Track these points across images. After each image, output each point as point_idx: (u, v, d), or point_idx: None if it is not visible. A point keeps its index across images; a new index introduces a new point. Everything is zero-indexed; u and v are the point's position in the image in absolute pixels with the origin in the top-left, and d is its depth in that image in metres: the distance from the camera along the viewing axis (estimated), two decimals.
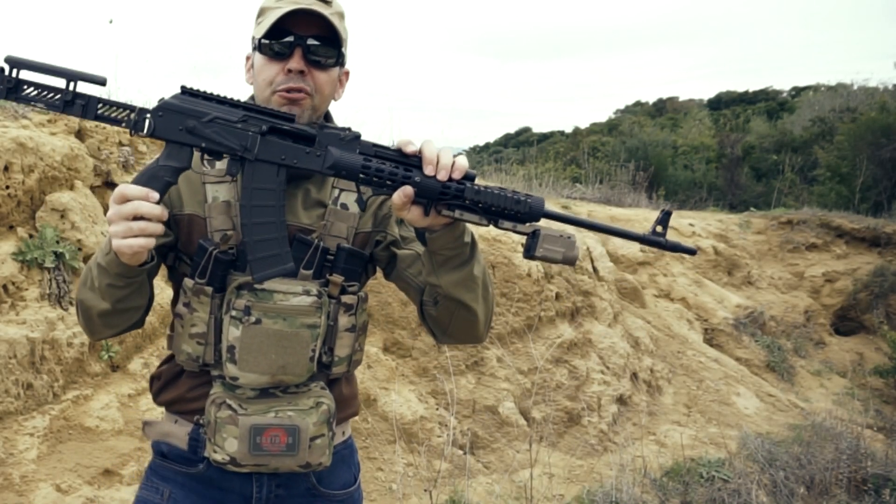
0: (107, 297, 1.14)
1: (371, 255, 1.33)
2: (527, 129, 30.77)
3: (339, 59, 1.25)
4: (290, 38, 1.20)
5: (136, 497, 1.33)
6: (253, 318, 1.17)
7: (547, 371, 4.80)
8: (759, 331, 7.08)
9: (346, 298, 1.25)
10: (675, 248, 1.18)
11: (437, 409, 4.27)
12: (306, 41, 1.20)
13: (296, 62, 1.20)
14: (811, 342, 7.51)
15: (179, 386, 1.29)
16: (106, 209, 3.57)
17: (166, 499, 1.29)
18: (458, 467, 3.86)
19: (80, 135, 3.66)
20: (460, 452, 4.01)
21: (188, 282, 1.22)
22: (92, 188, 3.57)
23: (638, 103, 29.90)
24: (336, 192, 1.28)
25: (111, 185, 3.69)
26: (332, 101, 1.30)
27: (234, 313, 1.18)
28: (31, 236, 3.22)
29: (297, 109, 1.20)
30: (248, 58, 1.29)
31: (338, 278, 1.23)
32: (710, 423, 5.28)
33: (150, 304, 1.25)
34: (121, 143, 3.79)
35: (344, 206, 1.28)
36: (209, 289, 1.20)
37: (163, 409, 1.35)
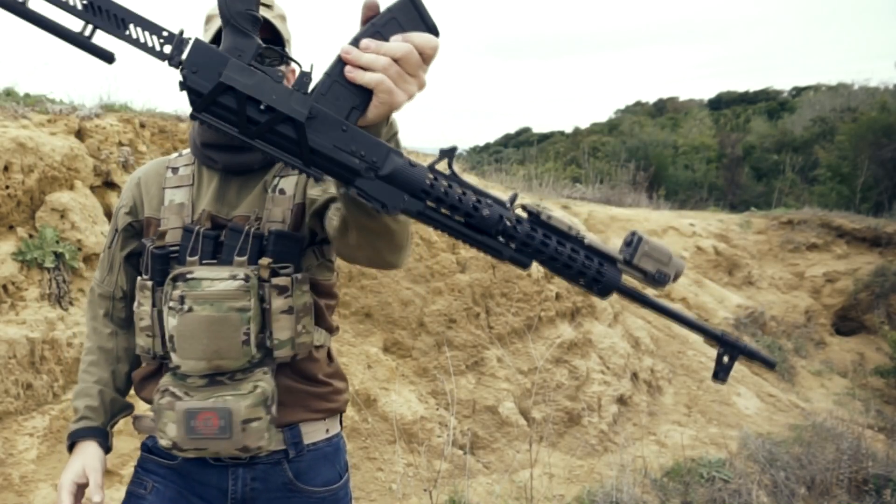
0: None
1: (313, 233, 1.32)
2: (527, 129, 30.77)
3: (284, 59, 1.30)
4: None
5: (126, 492, 1.38)
6: (186, 307, 1.21)
7: (547, 371, 4.80)
8: (759, 331, 7.08)
9: (277, 280, 1.26)
10: (752, 354, 0.92)
11: (437, 409, 4.26)
12: None
13: None
14: (812, 342, 7.50)
15: (154, 382, 1.33)
16: (106, 209, 3.58)
17: (150, 491, 1.34)
18: (458, 467, 3.86)
19: (79, 135, 3.66)
20: (460, 452, 4.01)
21: (138, 280, 1.31)
22: (92, 188, 3.57)
23: (638, 103, 29.89)
24: (276, 179, 1.32)
25: (111, 185, 3.69)
26: None
27: (171, 304, 1.22)
28: (31, 236, 3.22)
29: None
30: None
31: (265, 261, 1.25)
32: (710, 423, 5.27)
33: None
34: (120, 143, 3.78)
35: (282, 192, 1.31)
36: (150, 283, 1.28)
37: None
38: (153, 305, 1.28)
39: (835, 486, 3.91)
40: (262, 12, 1.21)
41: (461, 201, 0.83)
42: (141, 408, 1.62)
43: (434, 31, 0.81)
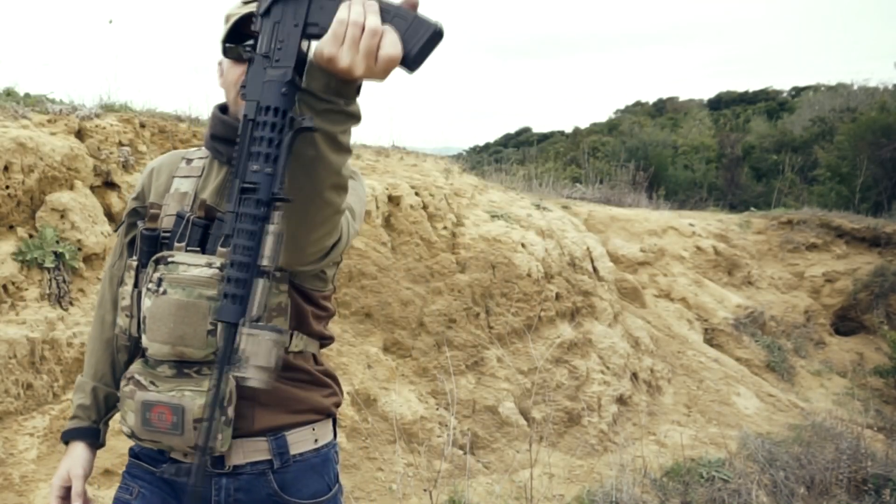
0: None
1: None
2: (527, 129, 30.77)
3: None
4: (252, 41, 1.24)
5: (114, 497, 1.37)
6: (161, 290, 1.22)
7: (547, 371, 4.80)
8: (759, 331, 7.08)
9: None
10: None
11: (437, 409, 4.26)
12: None
13: None
14: (811, 342, 7.51)
15: None
16: (106, 209, 3.58)
17: (135, 496, 1.33)
18: (458, 467, 3.86)
19: (79, 135, 3.66)
20: (460, 452, 4.01)
21: (127, 261, 1.34)
22: (92, 188, 3.57)
23: (638, 103, 29.89)
24: None
25: (111, 185, 3.69)
26: None
27: (149, 285, 1.23)
28: (31, 236, 3.22)
29: None
30: (219, 63, 1.36)
31: None
32: (710, 423, 5.28)
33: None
34: (120, 143, 3.78)
35: None
36: (135, 263, 1.29)
37: None
38: (135, 286, 1.29)
39: (834, 486, 3.91)
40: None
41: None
42: None
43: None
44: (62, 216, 3.30)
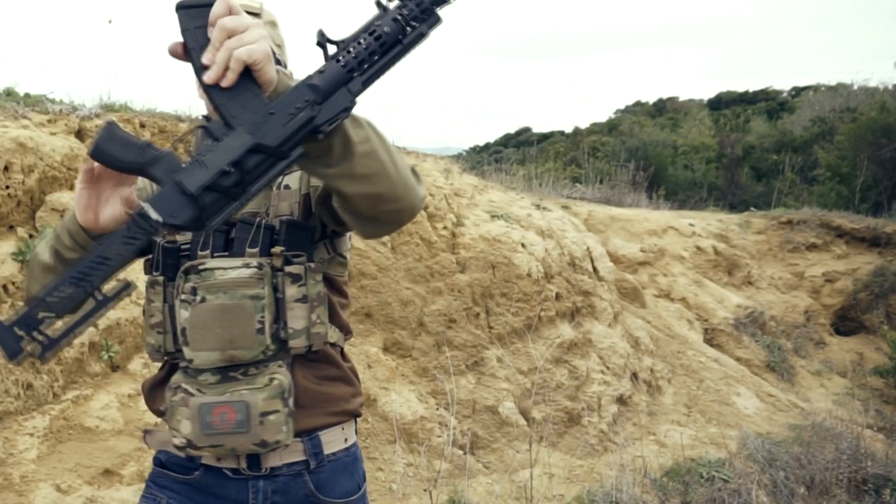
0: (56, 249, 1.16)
1: (323, 226, 1.33)
2: (527, 129, 30.75)
3: (276, 64, 1.30)
4: None
5: None
6: (199, 298, 1.20)
7: (547, 371, 4.80)
8: (759, 331, 7.08)
9: (291, 268, 1.26)
10: None
11: (437, 409, 4.26)
12: None
13: None
14: (811, 342, 7.51)
15: (163, 393, 1.29)
16: None
17: None
18: (458, 467, 3.86)
19: (79, 135, 3.66)
20: (460, 452, 4.01)
21: (147, 278, 1.29)
22: None
23: (638, 103, 29.87)
24: (280, 177, 1.32)
25: None
26: None
27: (183, 296, 1.21)
28: (31, 236, 3.22)
29: None
30: None
31: (278, 249, 1.25)
32: (710, 423, 5.28)
33: None
34: None
35: (287, 187, 1.32)
36: (161, 278, 1.26)
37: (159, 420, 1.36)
38: (164, 301, 1.25)
39: (834, 486, 3.91)
40: None
41: (367, 47, 0.91)
42: (151, 422, 1.61)
43: (208, 2, 0.89)
44: (62, 216, 3.30)
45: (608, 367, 5.20)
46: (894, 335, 6.59)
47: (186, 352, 1.21)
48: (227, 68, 0.89)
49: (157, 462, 1.34)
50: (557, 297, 5.23)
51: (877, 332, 7.57)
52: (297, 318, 1.26)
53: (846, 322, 8.06)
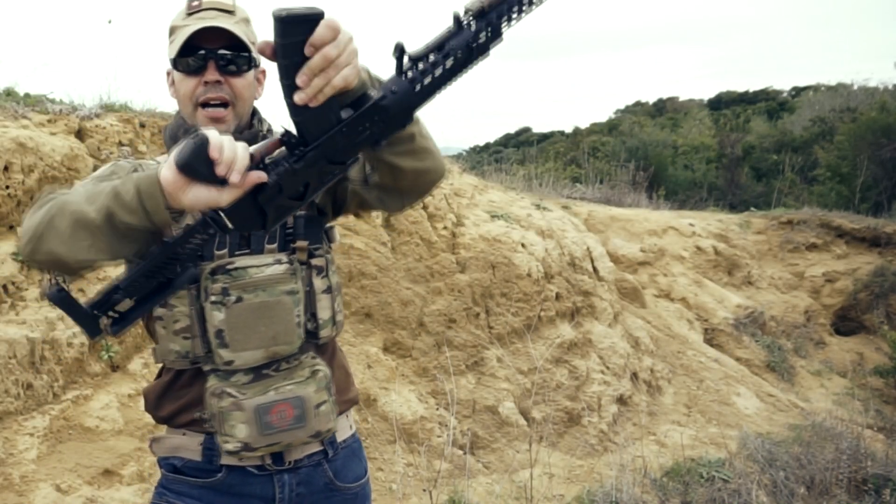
0: (102, 212, 1.01)
1: (335, 212, 1.36)
2: (527, 129, 30.73)
3: (251, 63, 1.31)
4: (202, 52, 1.26)
5: None
6: (234, 298, 1.20)
7: (547, 371, 4.80)
8: (759, 331, 7.08)
9: (315, 261, 1.29)
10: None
11: (437, 409, 4.26)
12: (217, 53, 1.26)
13: (211, 74, 1.26)
14: (811, 342, 7.50)
15: (176, 398, 1.28)
16: None
17: None
18: (458, 467, 3.86)
19: (79, 135, 3.66)
20: (460, 452, 4.01)
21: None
22: None
23: (638, 103, 29.87)
24: None
25: None
26: (256, 99, 1.37)
27: (213, 298, 1.20)
28: None
29: (223, 126, 1.26)
30: (168, 73, 1.34)
31: (303, 243, 1.27)
32: (710, 423, 5.28)
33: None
34: (120, 143, 3.78)
35: None
36: None
37: (165, 428, 1.34)
38: (190, 305, 1.22)
39: (834, 486, 3.91)
40: (223, 24, 1.23)
41: (437, 66, 0.92)
42: (151, 422, 1.59)
43: (312, 16, 0.88)
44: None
45: (608, 367, 5.20)
46: (894, 335, 6.59)
47: (224, 353, 1.20)
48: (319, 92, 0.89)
49: (170, 468, 1.31)
50: (557, 297, 5.23)
51: (877, 332, 7.57)
52: (324, 308, 1.30)
53: (846, 322, 8.06)
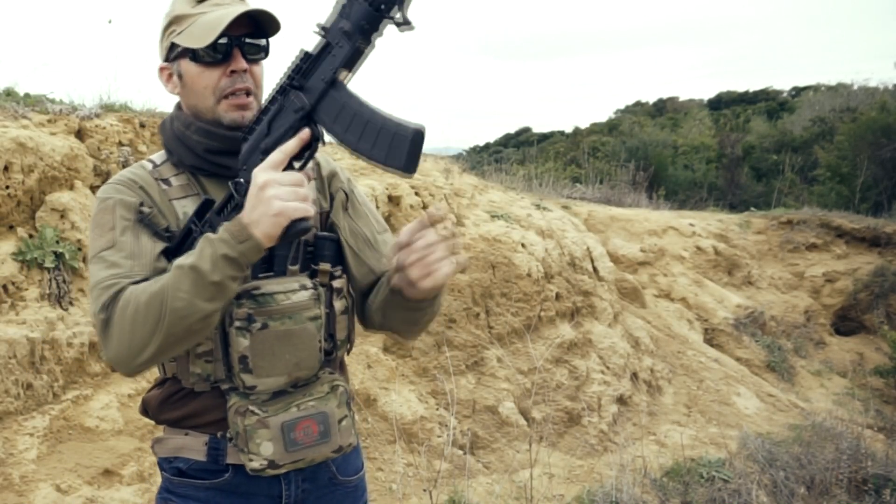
0: (218, 297, 1.07)
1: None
2: (527, 129, 30.72)
3: (268, 49, 1.26)
4: (225, 41, 1.18)
5: None
6: (259, 325, 1.17)
7: (547, 371, 4.80)
8: (759, 331, 7.08)
9: (336, 283, 1.28)
10: None
11: (437, 409, 4.26)
12: (243, 40, 1.20)
13: (238, 62, 1.20)
14: (811, 342, 7.50)
15: (183, 405, 1.26)
16: None
17: None
18: (458, 467, 3.86)
19: (79, 135, 3.66)
20: (460, 452, 4.01)
21: None
22: (92, 188, 3.57)
23: (638, 103, 29.86)
24: None
25: None
26: None
27: (238, 324, 1.17)
28: (31, 236, 3.22)
29: (249, 114, 1.21)
30: (162, 68, 1.27)
31: (326, 266, 1.26)
32: (710, 423, 5.28)
33: None
34: (120, 143, 3.78)
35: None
36: None
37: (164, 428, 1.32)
38: (214, 329, 1.16)
39: (834, 486, 3.91)
40: (252, 8, 1.18)
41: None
42: (151, 422, 1.57)
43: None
44: (62, 216, 3.30)
45: (608, 367, 5.20)
46: (894, 335, 6.59)
47: (247, 379, 1.19)
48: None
49: (174, 471, 1.28)
50: (557, 297, 5.23)
51: (877, 332, 7.57)
52: (341, 329, 1.30)
53: (846, 322, 8.06)
